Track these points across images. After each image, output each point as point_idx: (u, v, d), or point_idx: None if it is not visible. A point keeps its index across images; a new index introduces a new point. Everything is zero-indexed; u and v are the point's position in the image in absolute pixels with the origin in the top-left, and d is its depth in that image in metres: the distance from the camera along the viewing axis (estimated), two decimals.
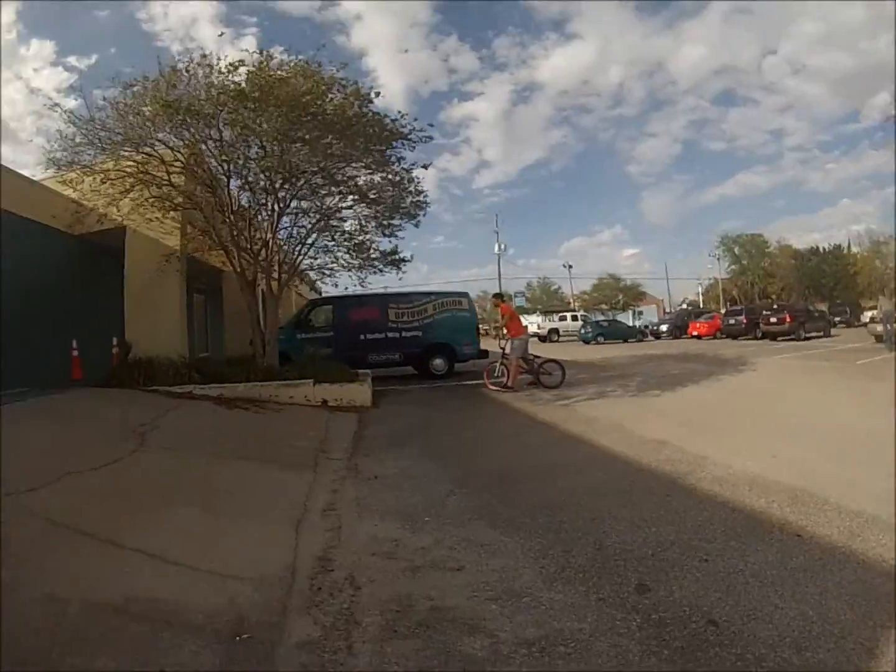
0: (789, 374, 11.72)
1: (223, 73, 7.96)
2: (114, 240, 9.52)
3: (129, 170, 8.54)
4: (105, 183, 8.41)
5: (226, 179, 9.09)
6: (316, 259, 10.56)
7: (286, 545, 3.12)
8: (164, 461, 4.76)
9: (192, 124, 8.20)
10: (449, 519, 3.53)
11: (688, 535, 3.12)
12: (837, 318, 29.09)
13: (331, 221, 10.03)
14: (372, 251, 10.47)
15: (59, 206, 9.07)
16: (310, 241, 10.03)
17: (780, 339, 22.33)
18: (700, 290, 53.98)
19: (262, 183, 9.05)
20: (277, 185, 9.05)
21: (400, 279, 11.94)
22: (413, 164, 9.63)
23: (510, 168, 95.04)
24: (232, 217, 9.14)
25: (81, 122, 8.31)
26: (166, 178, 8.76)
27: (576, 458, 5.33)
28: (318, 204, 9.78)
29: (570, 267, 51.18)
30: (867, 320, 24.29)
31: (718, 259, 51.79)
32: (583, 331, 30.51)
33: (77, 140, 8.36)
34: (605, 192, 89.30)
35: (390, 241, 10.95)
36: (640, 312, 48.72)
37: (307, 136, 8.24)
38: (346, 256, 10.45)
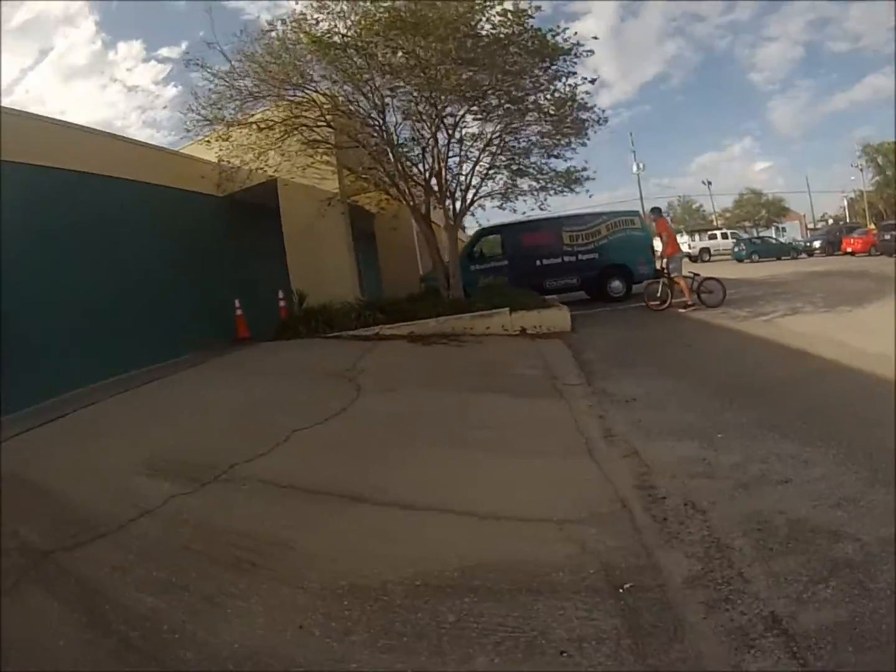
0: None
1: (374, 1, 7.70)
2: (264, 195, 9.61)
3: (278, 118, 8.52)
4: (253, 136, 8.49)
5: (384, 114, 8.90)
6: (496, 183, 10.17)
7: (595, 478, 2.99)
8: (392, 404, 4.74)
9: (347, 58, 7.98)
10: (738, 434, 3.49)
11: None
12: None
13: (508, 142, 9.62)
14: (551, 172, 9.97)
15: (204, 171, 9.23)
16: (486, 164, 9.73)
17: None
18: (845, 203, 47.73)
19: (429, 110, 8.73)
20: (445, 111, 8.81)
21: (591, 196, 11.51)
22: (583, 79, 8.99)
23: (628, 86, 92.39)
24: (400, 150, 9.04)
25: (225, 75, 8.37)
26: (323, 119, 8.68)
27: (810, 369, 5.38)
28: (493, 127, 9.40)
29: (710, 184, 48.53)
30: None
31: (861, 170, 45.52)
32: (736, 249, 29.46)
33: (218, 96, 8.46)
34: (729, 103, 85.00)
35: (565, 161, 10.55)
36: (784, 229, 45.00)
37: (472, 56, 7.84)
38: (527, 179, 10.00)
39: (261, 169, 8.86)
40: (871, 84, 76.54)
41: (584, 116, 9.80)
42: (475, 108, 8.94)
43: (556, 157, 10.38)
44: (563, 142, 10.16)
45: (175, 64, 72.53)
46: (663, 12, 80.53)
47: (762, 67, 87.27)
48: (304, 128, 8.71)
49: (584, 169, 10.02)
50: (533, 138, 9.80)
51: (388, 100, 8.75)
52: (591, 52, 8.65)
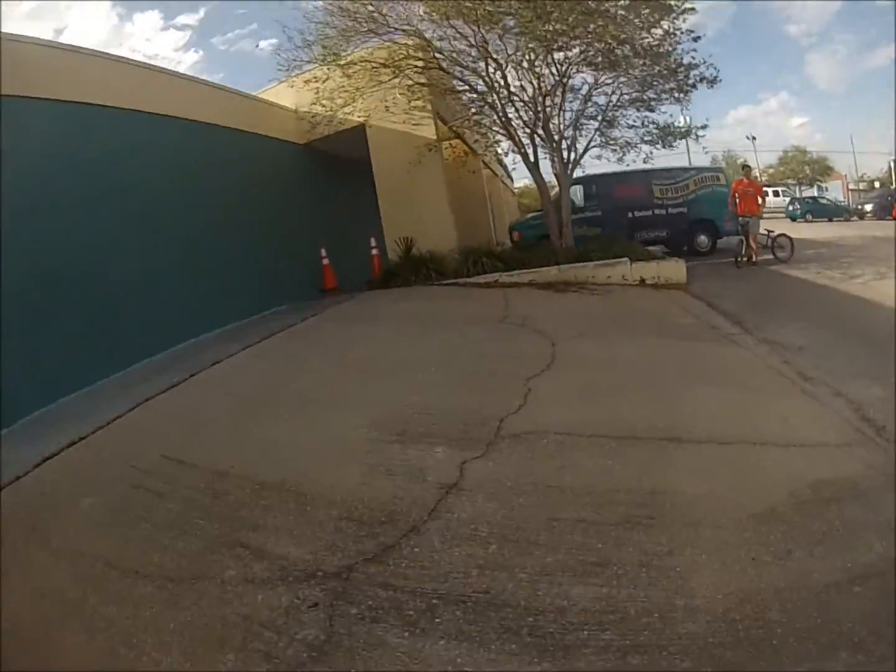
0: None
1: None
2: (351, 142, 9.43)
3: (380, 59, 8.38)
4: (341, 80, 8.34)
5: (487, 60, 8.80)
6: (609, 132, 10.11)
7: (826, 411, 3.53)
8: (595, 349, 4.94)
9: None
10: None
11: None
12: None
13: (624, 94, 9.61)
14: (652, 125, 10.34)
15: (285, 117, 9.15)
16: (595, 113, 9.79)
17: None
18: (889, 164, 46.28)
19: (539, 51, 8.70)
20: (555, 53, 8.80)
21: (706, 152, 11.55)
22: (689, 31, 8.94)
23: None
24: (510, 96, 9.00)
25: (336, 12, 8.27)
26: (425, 62, 8.58)
27: None
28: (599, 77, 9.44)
29: (754, 139, 46.65)
30: None
31: None
32: (790, 207, 29.39)
33: (320, 34, 8.35)
34: (765, 56, 79.73)
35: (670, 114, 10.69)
36: (826, 188, 43.66)
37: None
38: (642, 131, 9.98)
39: (348, 115, 8.79)
40: None
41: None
42: (588, 51, 8.84)
43: (652, 110, 10.38)
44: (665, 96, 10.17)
45: (194, 31, 69.02)
46: None
47: (798, 20, 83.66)
48: (406, 70, 8.58)
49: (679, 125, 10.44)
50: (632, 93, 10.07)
51: (496, 43, 8.65)
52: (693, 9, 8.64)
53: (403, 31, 8.44)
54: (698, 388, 3.92)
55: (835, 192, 42.55)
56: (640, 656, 1.59)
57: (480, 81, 8.90)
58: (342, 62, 8.39)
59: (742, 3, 78.50)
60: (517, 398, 3.61)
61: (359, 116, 8.99)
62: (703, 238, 12.32)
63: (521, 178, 26.95)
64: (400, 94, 8.68)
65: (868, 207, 28.87)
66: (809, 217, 27.58)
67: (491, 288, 7.85)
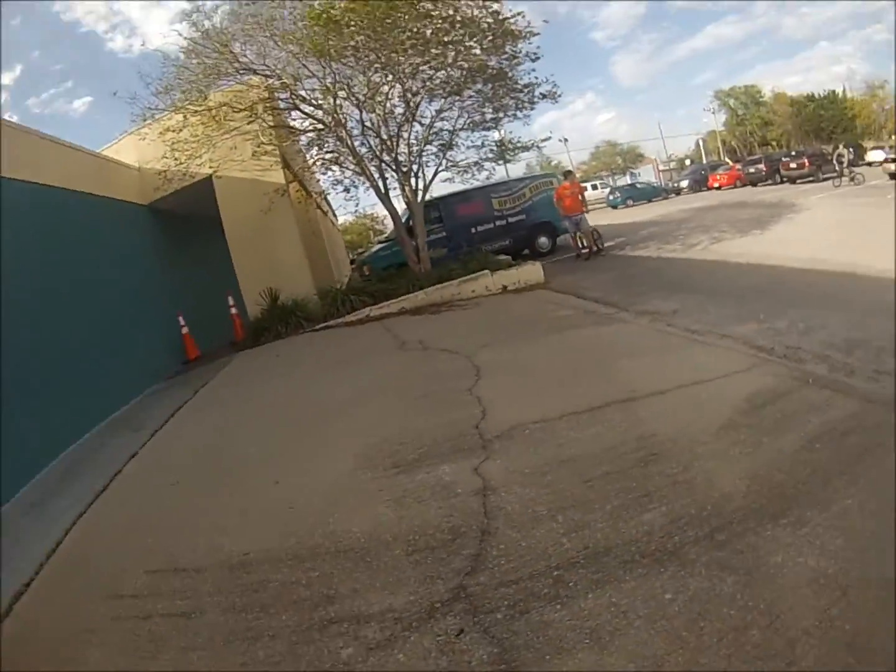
0: (847, 210, 15.37)
1: None
2: (199, 196, 10.25)
3: (222, 102, 9.36)
4: (186, 131, 9.25)
5: (336, 97, 10.21)
6: (453, 156, 12.19)
7: (734, 348, 5.09)
8: (517, 352, 5.99)
9: (333, 36, 9.01)
10: (771, 313, 6.14)
11: (883, 295, 5.81)
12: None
13: (469, 118, 11.69)
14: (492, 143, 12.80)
15: (130, 177, 9.85)
16: (442, 140, 11.72)
17: (798, 182, 26.72)
18: (695, 144, 58.74)
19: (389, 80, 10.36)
20: (412, 90, 10.52)
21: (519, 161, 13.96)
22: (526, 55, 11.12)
23: None
24: (363, 130, 10.57)
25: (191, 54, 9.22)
26: (289, 100, 9.95)
27: (777, 273, 8.55)
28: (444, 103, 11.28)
29: (566, 140, 56.61)
30: (871, 159, 29.68)
31: (714, 113, 58.79)
32: (610, 197, 35.79)
33: (180, 80, 9.22)
34: (570, 64, 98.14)
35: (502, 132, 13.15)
36: (638, 174, 55.19)
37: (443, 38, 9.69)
38: (483, 150, 12.32)
39: (198, 168, 9.59)
40: (711, 33, 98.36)
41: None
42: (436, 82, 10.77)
43: (490, 130, 12.90)
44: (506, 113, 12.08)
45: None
46: None
47: (604, 25, 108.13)
48: (262, 114, 9.71)
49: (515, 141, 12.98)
50: (474, 115, 11.98)
51: (345, 76, 10.14)
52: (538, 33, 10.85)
53: (259, 71, 9.48)
54: (618, 361, 5.13)
55: (647, 175, 53.57)
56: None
57: (330, 117, 10.15)
58: (200, 107, 9.15)
59: (550, 16, 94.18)
60: (474, 407, 4.38)
61: (209, 168, 9.76)
62: (543, 240, 15.42)
63: (342, 215, 28.71)
64: (246, 140, 9.71)
65: (684, 184, 36.76)
66: (630, 202, 33.63)
67: (365, 323, 8.91)
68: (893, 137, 40.73)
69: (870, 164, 29.64)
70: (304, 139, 11.36)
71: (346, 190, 12.00)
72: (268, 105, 9.79)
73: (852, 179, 21.24)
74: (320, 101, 10.19)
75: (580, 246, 13.17)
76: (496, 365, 5.58)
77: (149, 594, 2.81)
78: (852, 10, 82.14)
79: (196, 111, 9.23)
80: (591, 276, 10.61)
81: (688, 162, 56.28)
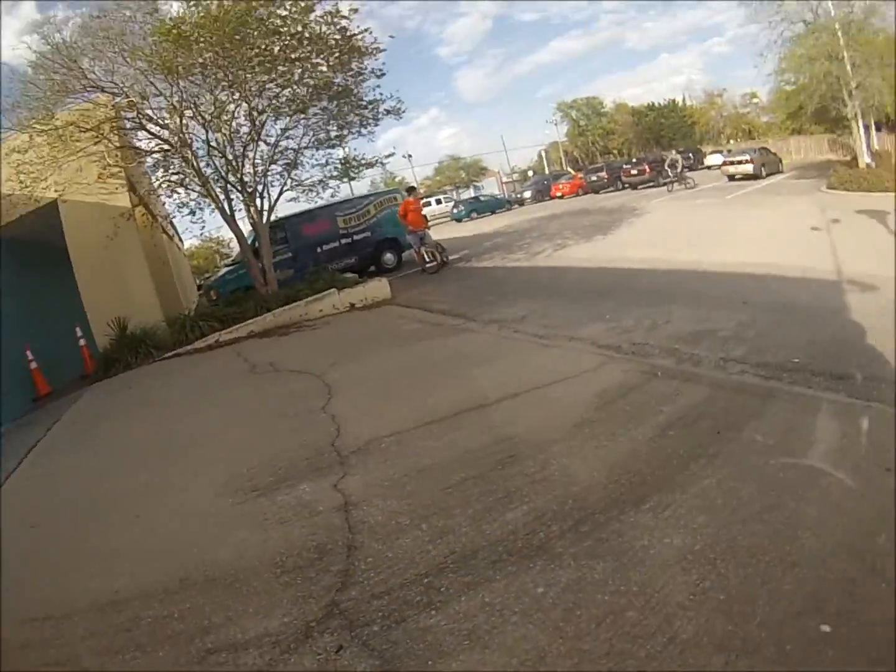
0: (685, 211, 17.43)
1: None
2: (44, 223, 10.07)
3: (81, 123, 9.24)
4: (50, 145, 9.09)
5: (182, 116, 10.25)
6: (297, 175, 12.44)
7: (583, 349, 5.60)
8: (367, 368, 6.27)
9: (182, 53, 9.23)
10: (617, 313, 6.83)
11: (732, 291, 6.99)
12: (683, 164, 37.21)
13: (314, 136, 12.03)
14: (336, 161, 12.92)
15: None
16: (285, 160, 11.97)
17: (640, 187, 29.53)
18: (538, 155, 63.20)
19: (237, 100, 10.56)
20: (257, 110, 10.69)
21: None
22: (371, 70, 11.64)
23: None
24: (209, 150, 10.66)
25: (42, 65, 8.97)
26: (136, 120, 9.89)
27: (621, 275, 9.35)
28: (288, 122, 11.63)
29: (410, 156, 57.62)
30: (709, 163, 34.72)
31: (556, 125, 63.43)
32: (454, 210, 36.98)
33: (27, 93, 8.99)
34: (415, 79, 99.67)
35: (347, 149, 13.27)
36: (482, 187, 58.47)
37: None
38: (327, 168, 12.62)
39: (39, 193, 9.32)
40: (556, 48, 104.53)
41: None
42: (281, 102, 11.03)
43: (335, 147, 12.99)
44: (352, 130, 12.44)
45: None
46: None
47: (450, 41, 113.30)
48: (109, 134, 9.57)
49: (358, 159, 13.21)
50: (318, 134, 12.25)
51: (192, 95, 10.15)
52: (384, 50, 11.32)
53: (107, 89, 9.40)
54: (469, 370, 5.41)
55: (491, 188, 56.73)
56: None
57: (176, 137, 10.12)
58: (46, 126, 8.91)
59: (397, 31, 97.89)
60: (329, 425, 4.48)
61: (54, 192, 9.49)
62: (389, 256, 15.82)
63: (187, 240, 27.73)
64: (92, 161, 9.54)
65: (527, 194, 38.97)
66: (474, 215, 34.98)
67: (215, 349, 8.94)
68: (731, 142, 46.91)
69: (709, 167, 34.25)
70: (149, 160, 11.28)
71: (192, 213, 11.81)
72: (114, 125, 9.70)
73: (685, 184, 23.97)
74: (166, 121, 10.17)
75: (426, 260, 13.56)
76: (347, 382, 5.72)
77: (19, 646, 2.62)
78: (694, 24, 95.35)
79: (43, 130, 8.98)
80: (437, 290, 11.00)
81: (530, 173, 60.46)
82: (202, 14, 9.35)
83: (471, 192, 53.28)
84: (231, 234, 12.26)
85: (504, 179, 62.20)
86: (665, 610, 2.03)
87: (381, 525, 2.90)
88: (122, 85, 9.56)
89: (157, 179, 11.68)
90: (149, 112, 10.06)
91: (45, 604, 2.92)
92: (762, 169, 25.87)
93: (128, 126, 10.18)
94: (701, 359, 4.98)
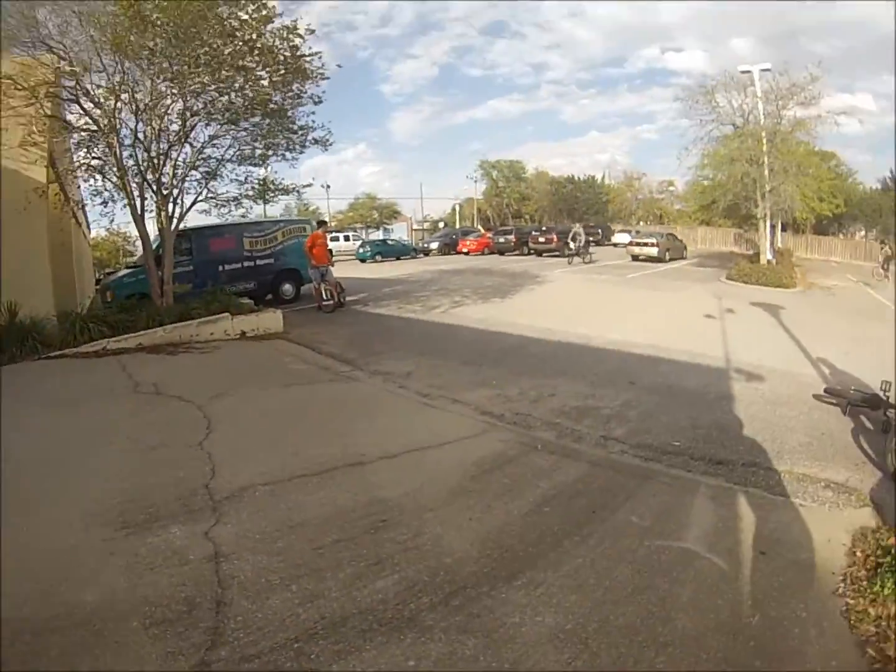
0: (586, 285, 18.55)
1: None
2: None
3: (20, 83, 8.98)
4: None
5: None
6: (215, 186, 12.23)
7: (459, 413, 5.98)
8: (250, 404, 6.35)
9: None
10: (504, 380, 7.26)
11: (620, 370, 7.69)
12: (591, 238, 39.56)
13: (241, 149, 11.94)
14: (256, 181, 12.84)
15: None
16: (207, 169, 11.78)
17: (545, 255, 30.94)
18: (454, 208, 65.32)
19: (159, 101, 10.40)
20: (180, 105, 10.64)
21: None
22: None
23: None
24: (134, 141, 10.45)
25: None
26: (73, 90, 9.53)
27: (514, 339, 9.90)
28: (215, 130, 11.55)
29: (328, 187, 58.39)
30: (616, 241, 37.46)
31: (476, 181, 65.76)
32: (360, 250, 37.32)
33: None
34: (353, 111, 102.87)
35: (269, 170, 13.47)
36: (392, 230, 60.30)
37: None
38: (245, 186, 12.47)
39: None
40: (493, 107, 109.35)
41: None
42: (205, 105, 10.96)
43: (258, 166, 12.99)
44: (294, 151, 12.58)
45: None
46: (321, 17, 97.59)
47: (395, 80, 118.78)
48: (43, 99, 9.29)
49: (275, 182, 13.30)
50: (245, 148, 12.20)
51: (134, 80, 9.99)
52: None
53: (55, 49, 9.17)
54: (350, 422, 5.53)
55: (400, 232, 58.70)
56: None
57: (106, 120, 9.86)
58: None
59: (348, 59, 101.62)
60: (205, 464, 4.41)
61: None
62: (288, 287, 15.88)
63: (94, 229, 26.46)
64: (20, 124, 9.14)
65: (434, 245, 39.97)
66: (379, 258, 35.42)
67: (102, 357, 8.64)
68: (641, 224, 50.52)
69: (615, 244, 36.79)
70: (75, 138, 10.85)
71: (105, 203, 11.33)
72: (50, 91, 9.32)
73: (584, 258, 26.09)
74: (101, 100, 9.87)
75: (323, 297, 13.62)
76: (228, 417, 5.66)
77: None
78: (629, 108, 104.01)
79: None
80: (330, 330, 11.08)
81: (441, 225, 62.35)
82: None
83: (380, 234, 54.27)
84: (137, 233, 11.92)
85: (414, 226, 63.77)
86: None
87: (252, 582, 2.87)
88: (68, 48, 9.30)
89: (78, 160, 11.27)
90: (87, 86, 9.76)
91: None
92: (666, 253, 28.11)
93: (63, 96, 9.77)
94: (582, 435, 5.28)
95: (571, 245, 26.55)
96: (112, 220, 12.45)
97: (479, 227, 52.21)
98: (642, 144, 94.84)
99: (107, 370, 7.99)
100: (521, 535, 3.30)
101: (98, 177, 11.12)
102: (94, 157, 10.91)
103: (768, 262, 22.94)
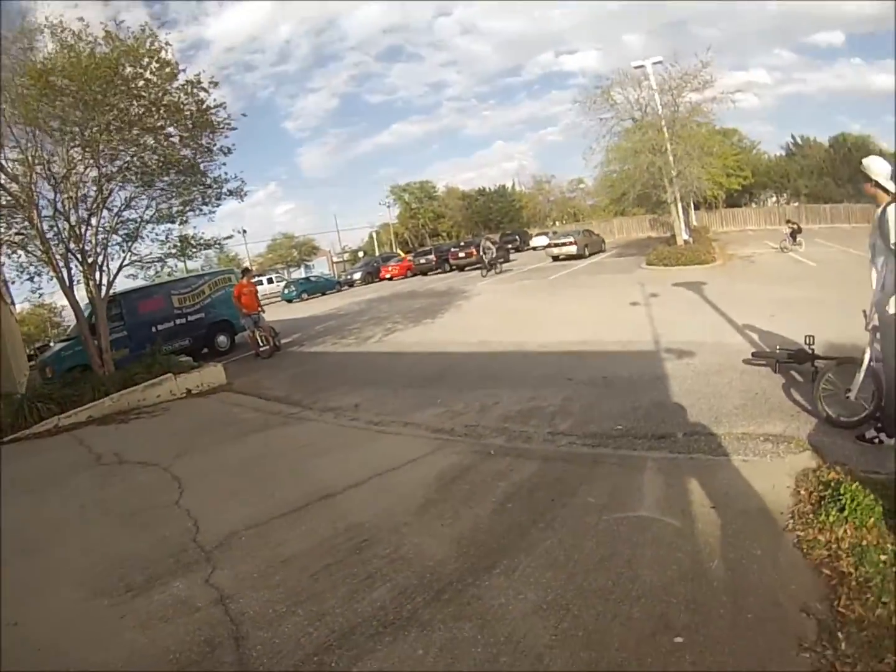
0: (511, 293, 19.24)
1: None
2: None
3: None
4: None
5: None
6: (137, 248, 12.37)
7: (409, 437, 6.29)
8: (210, 459, 6.55)
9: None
10: (450, 398, 7.53)
11: (556, 369, 8.14)
12: (509, 245, 40.80)
13: (157, 208, 12.17)
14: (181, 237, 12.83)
15: None
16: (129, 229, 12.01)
17: (467, 269, 31.74)
18: (370, 236, 66.23)
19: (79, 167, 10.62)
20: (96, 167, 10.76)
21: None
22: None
23: None
24: (55, 213, 10.56)
25: None
26: None
27: (451, 357, 10.27)
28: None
29: (245, 232, 57.21)
30: (535, 244, 39.57)
31: (389, 207, 67.33)
32: (286, 290, 37.79)
33: None
34: (259, 151, 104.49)
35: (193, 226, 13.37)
36: (312, 266, 61.35)
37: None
38: (167, 245, 12.59)
39: None
40: (397, 130, 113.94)
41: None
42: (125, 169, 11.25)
43: (175, 223, 12.93)
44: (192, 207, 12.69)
45: None
46: (218, 61, 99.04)
47: (298, 116, 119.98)
48: None
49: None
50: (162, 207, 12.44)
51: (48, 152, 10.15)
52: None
53: None
54: (310, 460, 5.81)
55: (321, 267, 59.38)
56: None
57: (24, 195, 9.94)
58: None
59: (250, 100, 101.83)
60: (186, 520, 4.61)
61: None
62: (222, 338, 16.21)
63: (19, 303, 25.52)
64: None
65: (357, 276, 40.61)
66: (305, 296, 35.73)
67: (56, 434, 8.65)
68: (556, 224, 52.20)
69: (535, 248, 38.55)
70: None
71: (31, 279, 11.32)
72: None
73: (495, 268, 27.06)
74: (17, 174, 9.96)
75: (259, 344, 13.85)
76: (195, 474, 5.84)
77: None
78: (531, 114, 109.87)
79: None
80: (272, 375, 11.34)
81: (361, 254, 62.59)
82: (73, 59, 9.43)
83: (301, 272, 54.46)
84: (65, 302, 11.74)
85: (335, 259, 64.01)
86: (534, 651, 2.51)
87: (261, 615, 3.10)
88: None
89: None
90: (1, 161, 9.86)
91: None
92: (585, 249, 29.35)
93: None
94: (531, 435, 5.66)
95: (483, 258, 27.32)
96: (41, 296, 12.33)
97: (399, 251, 53.12)
98: (548, 147, 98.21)
99: (65, 447, 8.04)
100: (492, 531, 3.67)
101: (20, 252, 11.12)
102: (15, 233, 10.94)
103: (685, 242, 24.25)
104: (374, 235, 67.70)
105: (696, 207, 35.70)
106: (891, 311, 3.99)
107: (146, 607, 3.42)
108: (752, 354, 6.82)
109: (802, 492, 3.51)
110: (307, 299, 34.80)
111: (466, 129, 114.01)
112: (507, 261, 33.84)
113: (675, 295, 13.51)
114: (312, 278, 42.08)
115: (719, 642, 2.42)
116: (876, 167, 4.15)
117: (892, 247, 3.91)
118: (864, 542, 2.86)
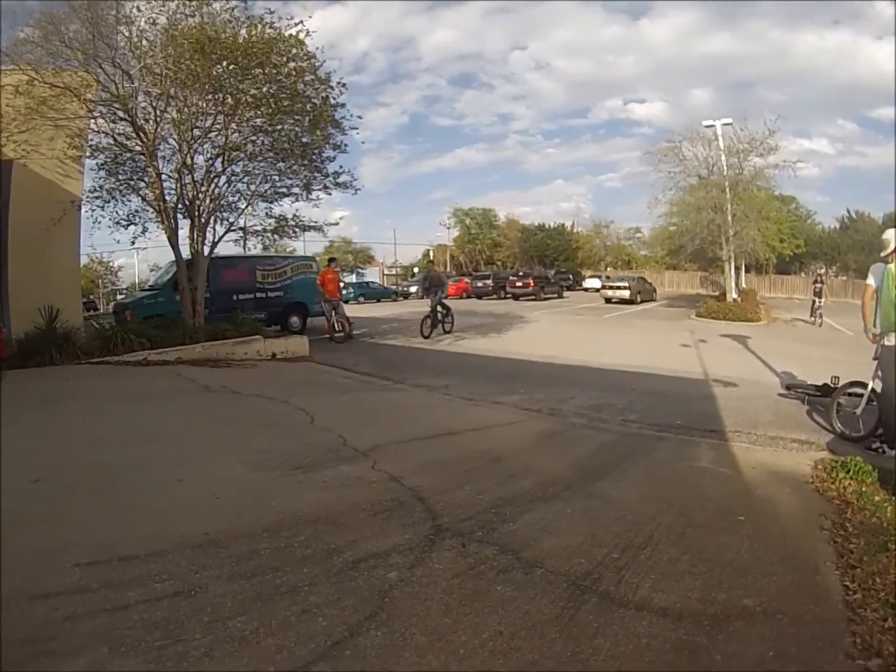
0: (569, 323, 20.63)
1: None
2: None
3: (71, 86, 9.29)
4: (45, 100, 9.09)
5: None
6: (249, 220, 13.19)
7: (512, 408, 7.44)
8: (322, 403, 7.44)
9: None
10: (528, 390, 8.61)
11: (619, 381, 9.52)
12: (563, 283, 41.48)
13: (277, 185, 12.85)
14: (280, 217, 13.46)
15: None
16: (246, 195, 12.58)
17: (521, 298, 33.02)
18: (430, 254, 67.46)
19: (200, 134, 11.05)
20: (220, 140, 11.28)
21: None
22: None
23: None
24: (181, 171, 11.10)
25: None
26: (127, 111, 9.95)
27: (523, 363, 11.60)
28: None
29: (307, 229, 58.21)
30: (587, 285, 41.17)
31: (448, 228, 68.51)
32: (345, 291, 37.54)
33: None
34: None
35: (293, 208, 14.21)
36: (364, 274, 61.71)
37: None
38: (271, 221, 13.25)
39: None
40: (460, 155, 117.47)
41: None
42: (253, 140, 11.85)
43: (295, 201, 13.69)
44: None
45: None
46: None
47: (366, 127, 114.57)
48: (94, 110, 9.89)
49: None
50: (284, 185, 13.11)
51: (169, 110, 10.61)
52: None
53: (105, 65, 9.56)
54: (421, 414, 6.94)
55: (372, 276, 59.80)
56: None
57: (150, 143, 10.40)
58: (54, 78, 9.07)
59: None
60: (329, 433, 5.54)
61: (12, 151, 9.35)
62: (295, 319, 17.05)
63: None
64: (68, 136, 9.63)
65: (412, 289, 42.05)
66: (362, 299, 37.49)
67: (147, 366, 9.24)
68: (609, 269, 53.63)
69: (586, 289, 40.25)
70: (101, 159, 11.16)
71: (126, 226, 11.80)
72: (101, 103, 9.91)
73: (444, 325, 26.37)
74: (143, 123, 10.35)
75: (335, 329, 14.78)
76: (318, 410, 6.43)
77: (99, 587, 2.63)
78: (592, 157, 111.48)
79: (46, 83, 9.04)
80: (350, 357, 11.91)
81: (416, 269, 62.44)
82: (231, 38, 10.06)
83: (353, 277, 55.59)
84: (119, 262, 12.28)
85: (385, 271, 65.45)
86: (646, 515, 3.79)
87: (433, 489, 3.94)
88: (125, 71, 9.91)
89: (102, 182, 11.44)
90: (139, 108, 10.34)
91: (114, 546, 3.00)
92: (637, 295, 30.58)
93: (119, 115, 10.25)
94: (605, 419, 6.88)
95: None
96: (133, 242, 12.64)
97: (453, 271, 54.41)
98: (605, 192, 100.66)
99: (164, 375, 8.58)
100: (593, 462, 5.01)
101: (134, 198, 11.59)
102: (128, 179, 11.34)
103: (734, 300, 25.30)
104: (430, 253, 69.05)
105: (747, 270, 36.52)
106: (889, 343, 5.22)
107: (320, 479, 4.08)
108: (786, 386, 8.13)
109: (819, 466, 4.70)
110: (363, 302, 36.29)
111: (527, 164, 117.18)
112: (560, 297, 35.04)
113: (721, 343, 14.72)
114: (371, 284, 44.07)
115: (766, 524, 3.68)
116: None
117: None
118: (864, 490, 4.13)
